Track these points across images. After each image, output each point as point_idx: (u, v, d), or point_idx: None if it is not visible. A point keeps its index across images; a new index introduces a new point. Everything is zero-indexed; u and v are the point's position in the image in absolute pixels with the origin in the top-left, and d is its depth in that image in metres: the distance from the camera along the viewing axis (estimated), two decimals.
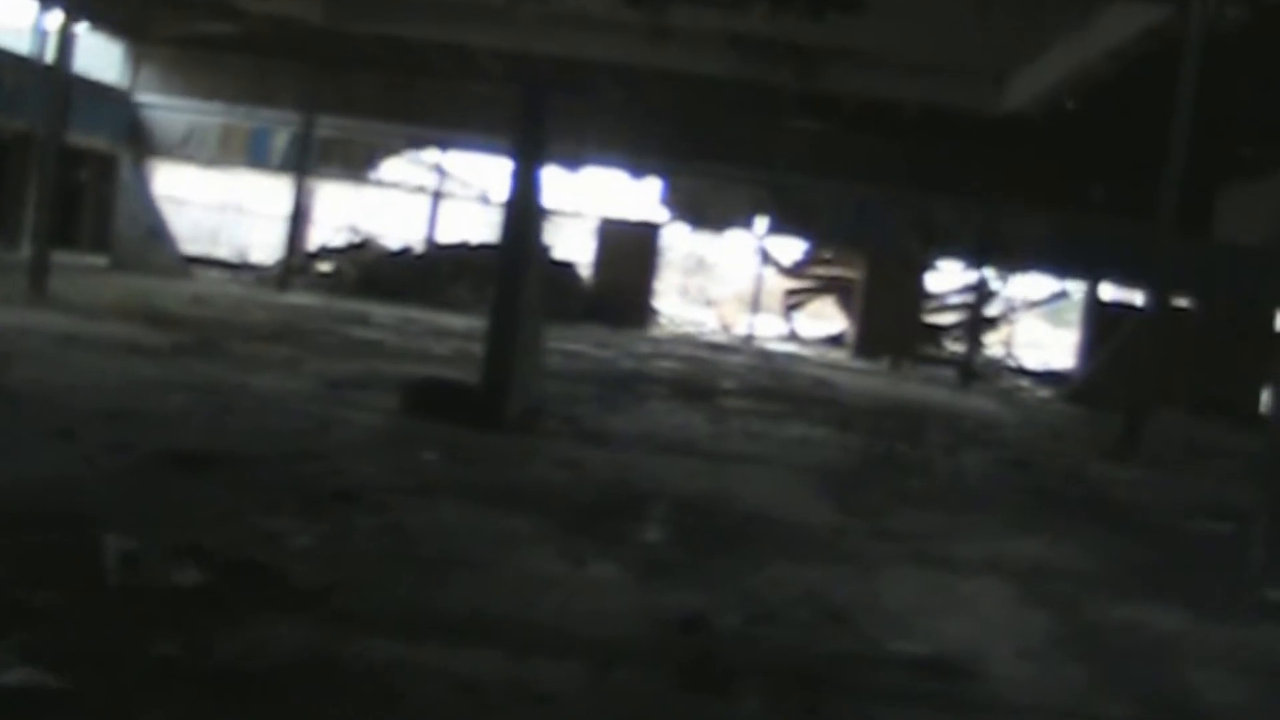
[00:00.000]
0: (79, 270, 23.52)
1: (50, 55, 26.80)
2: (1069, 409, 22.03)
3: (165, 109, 31.78)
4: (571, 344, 20.48)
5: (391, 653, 4.05)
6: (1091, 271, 30.83)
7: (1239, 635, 5.90)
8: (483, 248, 29.43)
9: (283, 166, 31.12)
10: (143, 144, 31.45)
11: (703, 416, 12.50)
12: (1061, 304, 39.75)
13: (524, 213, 10.10)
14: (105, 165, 29.30)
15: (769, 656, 4.60)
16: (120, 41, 31.68)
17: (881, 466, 10.50)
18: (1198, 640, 5.69)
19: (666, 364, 19.48)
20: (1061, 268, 32.48)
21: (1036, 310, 40.63)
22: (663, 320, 32.87)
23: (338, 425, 8.78)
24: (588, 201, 32.83)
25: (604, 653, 4.33)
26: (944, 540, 7.39)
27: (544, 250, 10.75)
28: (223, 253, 33.69)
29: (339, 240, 32.27)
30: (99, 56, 31.26)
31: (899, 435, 13.16)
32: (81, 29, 31.02)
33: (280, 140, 31.20)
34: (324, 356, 13.59)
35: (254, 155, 31.63)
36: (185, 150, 32.03)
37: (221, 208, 35.41)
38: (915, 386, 22.82)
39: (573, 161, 29.94)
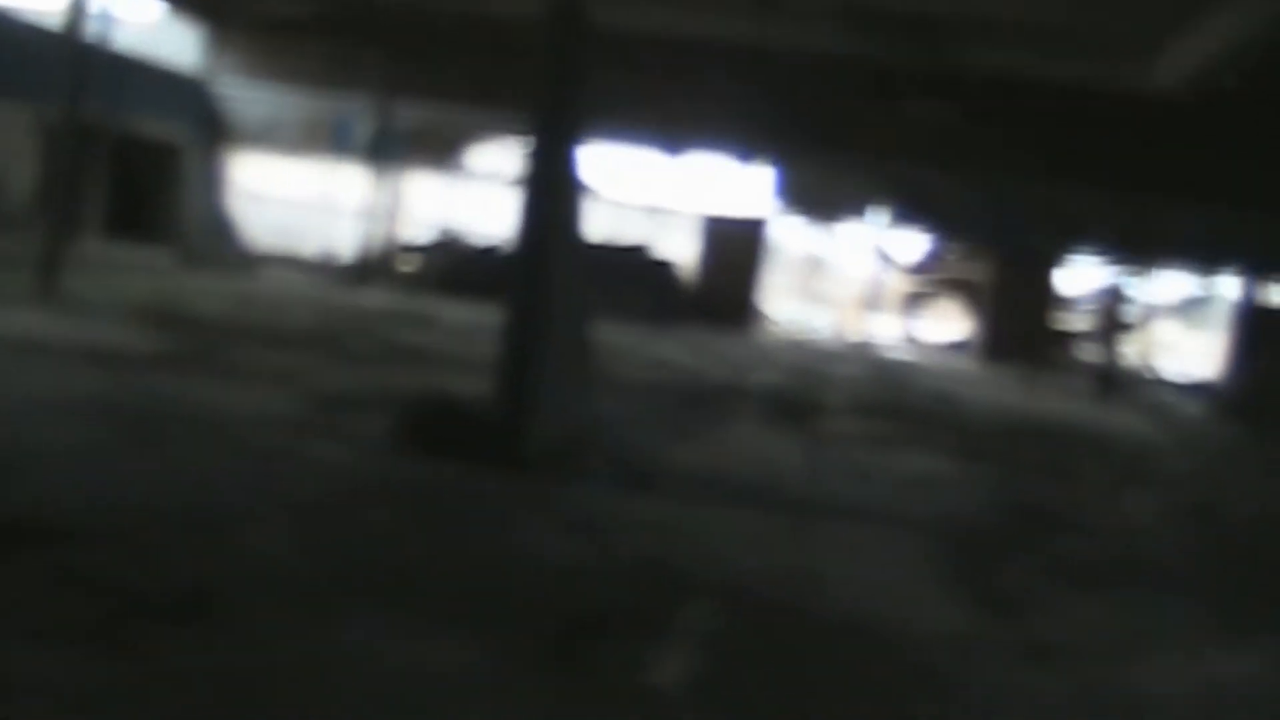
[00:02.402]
0: (136, 267, 21.71)
1: (111, 38, 25.15)
2: (1227, 427, 19.26)
3: (245, 97, 29.98)
4: (662, 350, 18.20)
5: None
6: (1245, 270, 27.95)
7: None
8: (592, 246, 27.28)
9: (367, 155, 29.18)
10: (220, 133, 29.68)
11: (798, 444, 10.08)
12: (1201, 306, 36.65)
13: (550, 192, 7.78)
14: (178, 156, 27.59)
15: None
16: (200, 27, 29.96)
17: (1023, 519, 8.01)
18: None
19: (766, 374, 17.03)
20: (1210, 265, 29.64)
21: (1174, 313, 37.50)
22: (771, 323, 30.41)
23: (289, 467, 6.53)
24: (692, 194, 30.39)
25: None
26: (1128, 657, 4.95)
27: (581, 239, 8.38)
28: (307, 249, 31.79)
29: (425, 236, 30.18)
30: (179, 43, 29.61)
31: (1041, 469, 10.68)
32: (160, 14, 29.46)
33: (364, 128, 29.25)
34: (344, 366, 11.39)
35: (337, 144, 29.69)
36: (266, 139, 30.24)
37: (306, 202, 33.49)
38: (1050, 400, 20.16)
39: (674, 146, 27.70)
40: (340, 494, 6.13)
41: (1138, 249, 27.72)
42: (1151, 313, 34.29)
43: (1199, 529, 8.49)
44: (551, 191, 7.72)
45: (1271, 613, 6.09)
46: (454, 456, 7.23)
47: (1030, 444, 12.85)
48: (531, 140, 7.93)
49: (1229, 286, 31.35)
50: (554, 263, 7.65)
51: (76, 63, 17.83)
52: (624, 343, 18.56)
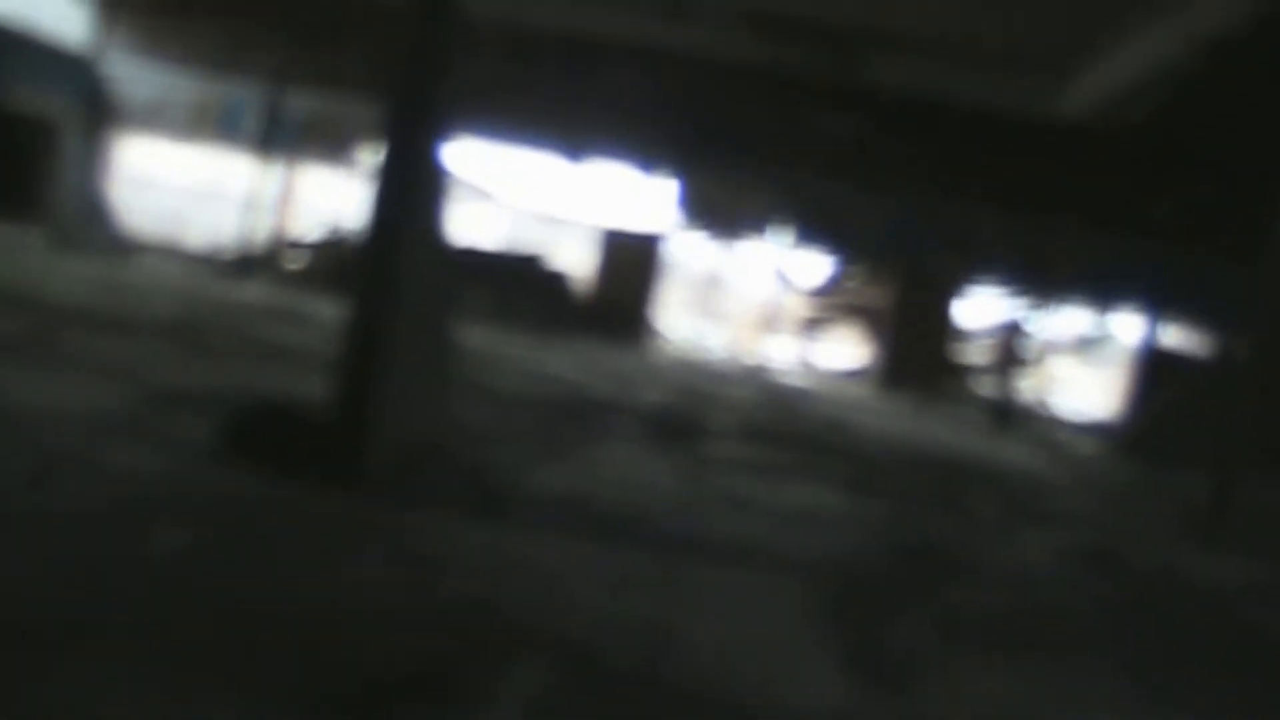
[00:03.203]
0: (4, 248, 20.58)
1: None
2: (1121, 466, 18.83)
3: (132, 76, 28.80)
4: (548, 361, 17.44)
5: None
6: (1145, 307, 27.75)
7: None
8: (483, 253, 26.52)
9: (256, 144, 28.10)
10: (104, 112, 28.46)
11: (676, 470, 9.33)
12: (1098, 344, 36.48)
13: (403, 185, 6.96)
14: (56, 133, 26.38)
15: None
16: (89, 5, 28.77)
17: (914, 562, 7.31)
18: None
19: (653, 392, 16.30)
20: (1109, 300, 29.42)
21: (1071, 349, 37.29)
22: (666, 339, 29.73)
23: (81, 473, 5.65)
24: (592, 204, 29.61)
25: None
26: None
27: (442, 236, 7.57)
28: (192, 238, 30.57)
29: (314, 231, 29.12)
30: (64, 16, 28.41)
31: (934, 505, 10.02)
32: None
33: (254, 115, 28.18)
34: (193, 362, 10.47)
35: (225, 129, 28.60)
36: (153, 121, 29.07)
37: (193, 189, 32.23)
38: (945, 431, 19.64)
39: (575, 151, 26.94)
40: (133, 509, 5.27)
41: (1039, 280, 27.41)
42: (1049, 348, 34.06)
43: (1102, 577, 7.84)
44: (405, 185, 6.91)
45: (1186, 683, 5.42)
46: (283, 468, 6.41)
47: (923, 477, 12.24)
48: (386, 132, 7.11)
49: (1126, 325, 31.24)
50: (406, 258, 6.83)
51: None
52: (509, 352, 17.78)
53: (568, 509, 6.92)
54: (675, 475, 8.95)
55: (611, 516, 6.92)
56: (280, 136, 27.68)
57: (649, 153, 27.30)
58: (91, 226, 23.42)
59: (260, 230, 27.70)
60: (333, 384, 6.70)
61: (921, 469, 13.06)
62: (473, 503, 6.56)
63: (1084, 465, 18.00)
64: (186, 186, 30.96)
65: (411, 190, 6.94)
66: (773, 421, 15.28)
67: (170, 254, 26.93)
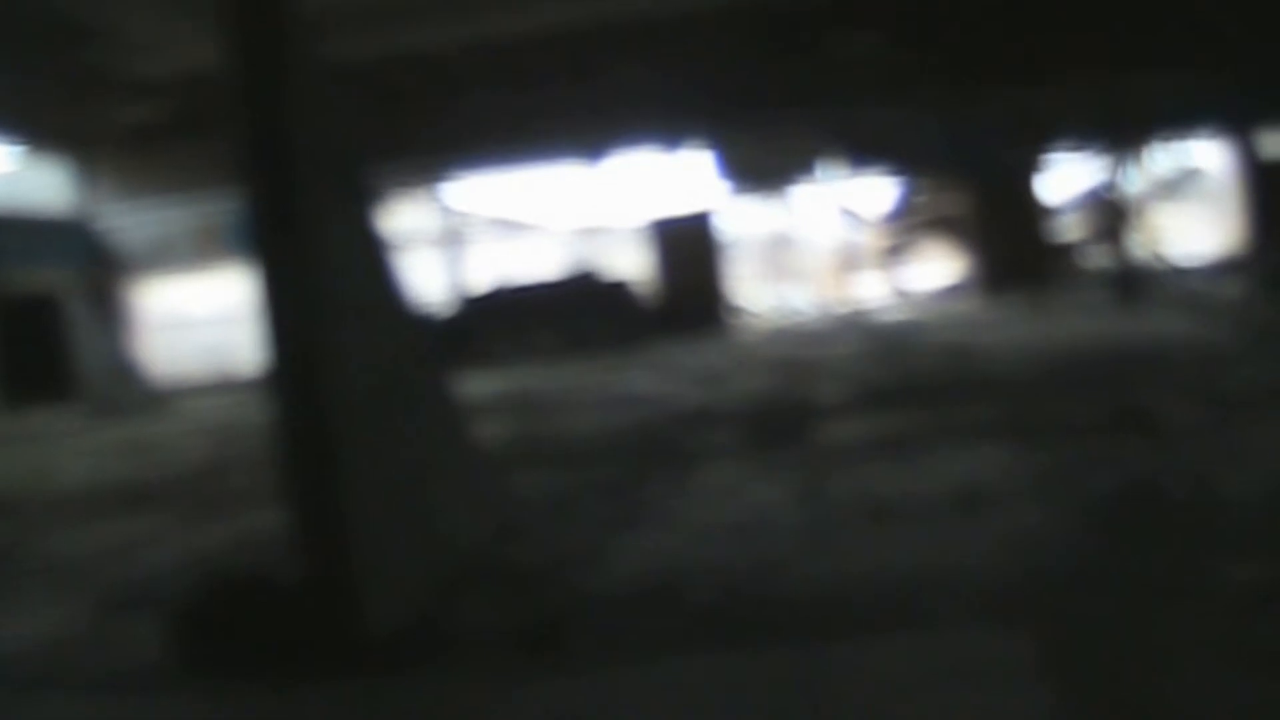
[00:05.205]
0: (21, 437, 19.15)
1: None
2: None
3: (130, 222, 27.43)
4: (624, 381, 15.62)
5: None
6: (1242, 125, 25.40)
7: None
8: (530, 287, 24.79)
9: None
10: (110, 268, 27.10)
11: (790, 484, 7.36)
12: (1189, 180, 33.91)
13: (289, 262, 5.15)
14: (62, 304, 24.98)
15: None
16: (64, 160, 27.46)
17: (1136, 527, 5.30)
18: None
19: (745, 382, 14.35)
20: (1200, 129, 27.14)
21: (1164, 193, 34.75)
22: (749, 315, 27.76)
23: None
24: (628, 202, 27.74)
25: None
26: None
27: (392, 298, 5.78)
28: (242, 365, 29.01)
29: None
30: (47, 183, 27.17)
31: (1111, 425, 7.94)
32: (16, 157, 26.98)
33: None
34: (199, 523, 8.67)
35: (234, 246, 27.05)
36: (165, 260, 27.67)
37: (227, 316, 30.64)
38: (1075, 324, 17.54)
39: (594, 153, 25.15)
40: None
41: (1113, 133, 25.21)
42: (1146, 198, 31.65)
43: None
44: (291, 264, 5.09)
45: None
46: (261, 664, 4.60)
47: (1083, 390, 10.16)
48: (254, 218, 5.26)
49: (1210, 153, 29.09)
50: (332, 349, 4.99)
51: None
52: (582, 383, 16.01)
53: (657, 603, 5.00)
54: (791, 494, 7.00)
55: (718, 596, 4.99)
56: None
57: (670, 129, 25.41)
58: (122, 388, 21.90)
59: None
60: (293, 532, 4.87)
61: (1072, 379, 11.01)
62: (528, 635, 4.67)
63: (1239, 320, 15.77)
64: (217, 315, 29.38)
65: (303, 268, 5.12)
66: (888, 374, 13.28)
67: (218, 389, 25.41)
